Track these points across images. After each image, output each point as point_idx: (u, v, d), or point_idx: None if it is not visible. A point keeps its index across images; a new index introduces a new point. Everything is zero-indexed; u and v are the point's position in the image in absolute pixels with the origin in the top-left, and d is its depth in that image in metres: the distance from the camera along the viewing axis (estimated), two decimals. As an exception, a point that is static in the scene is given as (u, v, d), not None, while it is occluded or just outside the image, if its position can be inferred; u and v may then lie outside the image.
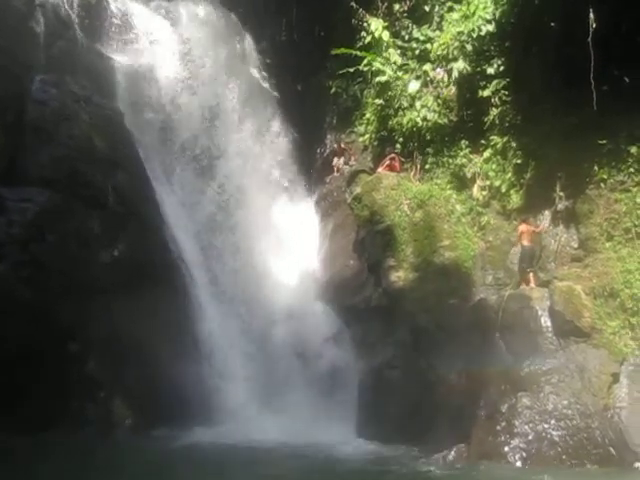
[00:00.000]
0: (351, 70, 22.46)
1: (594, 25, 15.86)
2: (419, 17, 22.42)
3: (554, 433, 14.09)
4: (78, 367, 16.73)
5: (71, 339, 16.79)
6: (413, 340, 17.69)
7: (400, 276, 18.89)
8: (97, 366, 17.03)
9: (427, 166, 20.66)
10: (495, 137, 19.29)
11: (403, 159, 21.26)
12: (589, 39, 15.84)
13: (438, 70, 21.03)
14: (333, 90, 24.59)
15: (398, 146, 21.41)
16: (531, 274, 17.46)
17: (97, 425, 16.37)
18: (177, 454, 14.97)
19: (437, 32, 21.50)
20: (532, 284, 17.26)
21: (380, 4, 23.61)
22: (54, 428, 15.10)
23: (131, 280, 17.86)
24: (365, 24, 22.55)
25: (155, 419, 16.58)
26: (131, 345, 17.22)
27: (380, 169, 21.36)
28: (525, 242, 17.61)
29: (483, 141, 19.63)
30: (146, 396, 16.92)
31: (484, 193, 19.27)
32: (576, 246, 17.16)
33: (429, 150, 20.71)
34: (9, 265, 16.37)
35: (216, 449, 15.46)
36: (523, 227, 17.79)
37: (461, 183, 19.81)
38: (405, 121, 21.08)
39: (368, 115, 23.43)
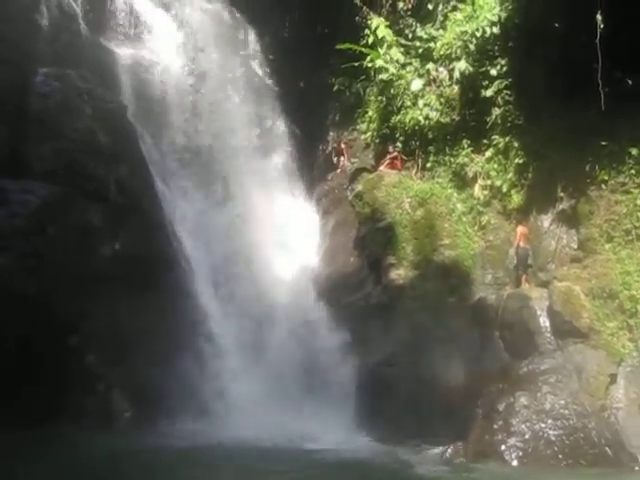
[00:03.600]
0: (355, 64, 22.45)
1: (601, 26, 15.90)
2: (423, 16, 22.45)
3: (551, 432, 14.19)
4: (78, 360, 16.72)
5: (71, 332, 16.77)
6: (412, 338, 17.71)
7: (400, 274, 18.95)
8: (97, 359, 17.03)
9: (428, 165, 20.76)
10: (497, 137, 19.36)
11: (405, 157, 21.33)
12: (597, 40, 15.87)
13: (441, 69, 21.08)
14: (336, 87, 24.60)
15: (399, 144, 21.49)
16: (524, 277, 17.57)
17: (96, 418, 16.34)
18: (175, 448, 14.97)
19: (440, 31, 21.58)
20: (525, 286, 17.38)
21: (384, 2, 23.70)
22: (53, 421, 15.06)
23: (132, 273, 17.84)
24: (368, 22, 22.59)
25: (154, 412, 16.59)
26: (131, 338, 17.22)
27: (382, 167, 21.42)
28: (521, 243, 17.70)
29: (485, 141, 19.71)
30: (146, 390, 16.93)
31: (485, 192, 19.33)
32: (576, 247, 17.22)
33: (431, 149, 20.81)
34: (11, 257, 16.36)
35: (214, 444, 15.49)
36: (521, 229, 17.88)
37: (462, 182, 19.89)
38: (407, 119, 21.16)
39: (370, 113, 23.51)
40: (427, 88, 21.27)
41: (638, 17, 15.88)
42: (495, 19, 19.41)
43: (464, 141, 20.12)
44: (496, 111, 19.40)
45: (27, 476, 12.10)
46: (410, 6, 23.19)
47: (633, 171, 16.35)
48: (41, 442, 14.10)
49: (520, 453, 14.04)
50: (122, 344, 17.24)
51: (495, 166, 19.28)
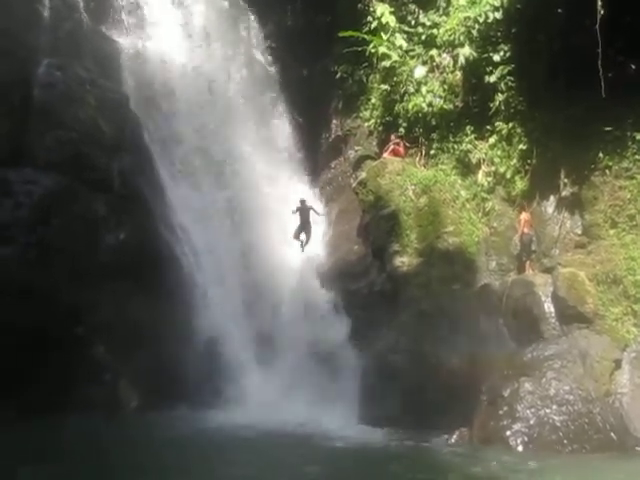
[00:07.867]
0: (358, 49, 22.36)
1: (602, 12, 15.83)
2: (425, 2, 22.34)
3: (556, 418, 14.22)
4: (84, 350, 16.81)
5: (77, 322, 16.87)
6: (416, 325, 17.72)
7: (404, 261, 18.96)
8: (103, 349, 17.13)
9: (432, 152, 20.69)
10: (500, 123, 19.32)
11: (408, 144, 21.27)
12: (597, 25, 15.81)
13: (444, 55, 21.00)
14: (338, 75, 24.51)
15: (402, 130, 21.43)
16: (527, 263, 17.58)
17: (102, 408, 16.41)
18: (180, 435, 15.04)
19: (443, 17, 21.50)
20: (529, 272, 17.39)
21: (387, -12, 23.56)
22: (60, 411, 15.15)
23: (137, 263, 17.91)
24: (371, 9, 22.51)
25: (160, 402, 16.64)
26: (137, 328, 17.32)
27: (385, 154, 21.37)
28: (525, 230, 17.70)
29: (488, 127, 19.65)
30: (151, 379, 17.02)
31: (489, 179, 19.31)
32: (580, 232, 17.24)
33: (434, 136, 20.73)
34: (16, 247, 16.44)
35: (219, 432, 15.54)
36: (524, 215, 17.88)
37: (466, 169, 19.86)
38: (410, 106, 21.09)
39: (373, 100, 23.45)
40: (430, 75, 21.21)
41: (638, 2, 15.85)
42: (497, 3, 19.34)
43: (467, 128, 20.08)
44: (499, 97, 19.34)
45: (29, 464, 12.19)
46: (413, -8, 23.11)
47: (637, 156, 16.38)
48: (47, 431, 14.17)
49: (525, 439, 14.09)
50: (128, 334, 17.31)
51: (499, 152, 19.26)
